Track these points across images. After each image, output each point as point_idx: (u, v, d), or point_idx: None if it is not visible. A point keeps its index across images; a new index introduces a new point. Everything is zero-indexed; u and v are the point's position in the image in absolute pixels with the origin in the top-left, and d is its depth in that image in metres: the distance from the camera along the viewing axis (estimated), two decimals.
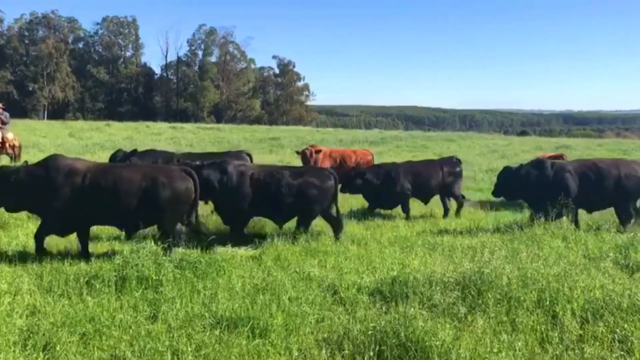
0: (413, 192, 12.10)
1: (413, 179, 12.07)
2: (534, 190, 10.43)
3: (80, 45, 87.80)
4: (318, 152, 14.28)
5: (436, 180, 12.24)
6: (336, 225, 9.72)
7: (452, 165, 12.61)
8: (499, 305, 5.76)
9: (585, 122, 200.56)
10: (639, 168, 10.70)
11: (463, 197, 12.71)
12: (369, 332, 5.05)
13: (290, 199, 9.33)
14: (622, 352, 4.86)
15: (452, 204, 12.55)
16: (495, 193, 11.18)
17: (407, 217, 11.77)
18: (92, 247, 8.34)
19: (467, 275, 6.37)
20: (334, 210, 9.83)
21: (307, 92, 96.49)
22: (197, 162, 9.52)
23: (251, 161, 11.87)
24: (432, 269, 7.04)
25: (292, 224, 9.81)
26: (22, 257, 7.75)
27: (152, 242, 7.45)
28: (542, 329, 5.33)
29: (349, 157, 14.83)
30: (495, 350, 4.77)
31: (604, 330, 5.19)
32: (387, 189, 11.86)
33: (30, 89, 77.30)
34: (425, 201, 12.52)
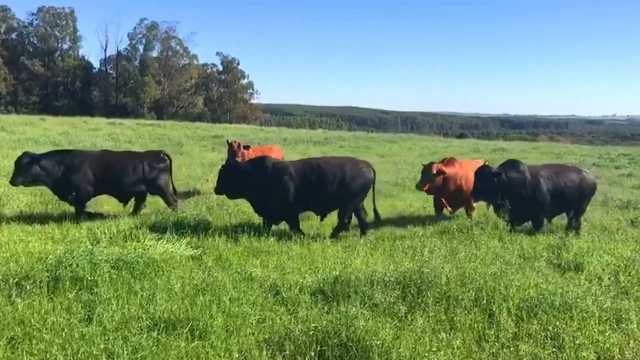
0: (102, 186, 10.63)
1: (102, 171, 10.54)
2: (254, 188, 9.72)
3: (14, 35, 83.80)
4: (247, 147, 14.13)
5: (134, 176, 10.73)
6: None
7: (156, 159, 11.14)
8: (438, 304, 5.88)
9: (521, 126, 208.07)
10: (365, 168, 10.00)
11: (175, 192, 11.37)
12: (311, 332, 5.05)
13: None
14: (554, 349, 5.04)
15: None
16: (216, 190, 10.19)
17: (81, 216, 10.32)
18: (22, 247, 7.98)
19: (407, 274, 6.47)
20: None
21: (251, 90, 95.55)
22: None
23: None
24: (374, 269, 7.11)
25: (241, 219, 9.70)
26: None
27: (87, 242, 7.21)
28: (479, 327, 5.47)
29: (269, 153, 14.81)
30: (434, 349, 4.86)
31: (537, 328, 5.38)
32: (64, 180, 10.32)
33: None
34: (122, 199, 11.12)
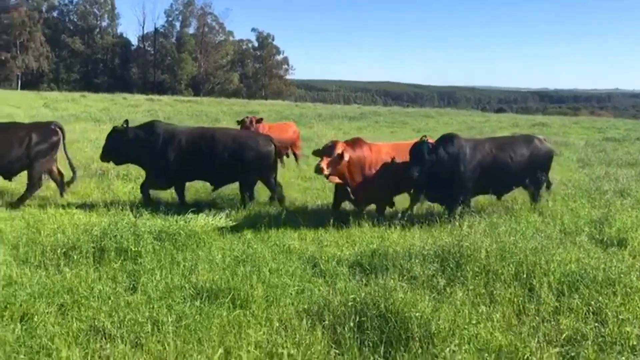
0: None
1: None
2: (143, 154, 9.56)
3: (55, 14, 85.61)
4: (260, 120, 14.00)
5: (18, 150, 9.39)
6: None
7: (46, 132, 9.74)
8: (477, 278, 5.84)
9: (561, 101, 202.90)
10: (263, 142, 9.68)
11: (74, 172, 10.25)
12: (349, 304, 5.08)
13: None
14: (596, 324, 4.96)
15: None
16: (102, 157, 9.89)
17: None
18: (68, 218, 8.24)
19: (446, 248, 6.43)
20: None
21: (286, 66, 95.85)
22: None
23: None
24: (411, 242, 7.10)
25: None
26: None
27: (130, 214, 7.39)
28: (519, 301, 5.42)
29: (286, 129, 14.67)
30: (473, 322, 4.83)
31: (579, 303, 5.29)
32: None
33: (3, 58, 75.25)
34: (5, 176, 9.78)
